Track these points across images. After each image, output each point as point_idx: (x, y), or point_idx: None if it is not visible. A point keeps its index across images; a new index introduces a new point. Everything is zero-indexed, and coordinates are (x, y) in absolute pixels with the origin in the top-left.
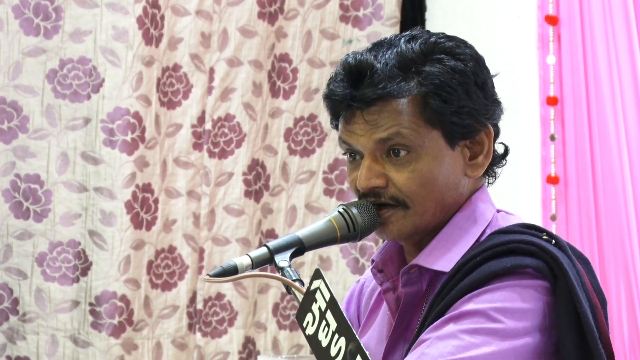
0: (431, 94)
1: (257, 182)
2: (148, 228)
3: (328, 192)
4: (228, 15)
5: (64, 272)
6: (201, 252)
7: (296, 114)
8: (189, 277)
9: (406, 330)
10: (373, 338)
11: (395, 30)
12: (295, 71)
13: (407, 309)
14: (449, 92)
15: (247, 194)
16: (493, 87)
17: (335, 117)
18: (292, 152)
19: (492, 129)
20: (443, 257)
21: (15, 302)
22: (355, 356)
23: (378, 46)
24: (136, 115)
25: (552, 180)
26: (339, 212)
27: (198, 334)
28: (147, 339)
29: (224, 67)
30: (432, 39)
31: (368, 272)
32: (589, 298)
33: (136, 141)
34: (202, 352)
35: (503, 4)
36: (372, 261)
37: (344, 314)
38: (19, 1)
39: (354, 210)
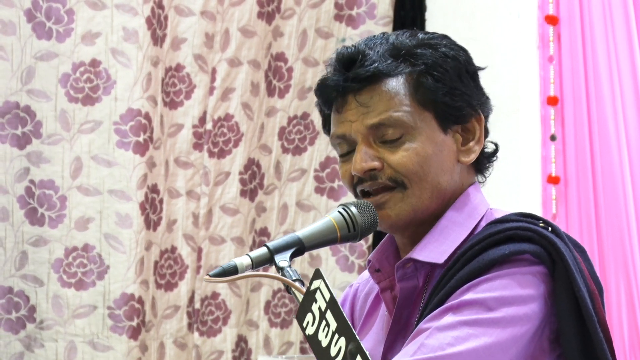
0: (423, 73)
1: (252, 181)
2: (154, 229)
3: (319, 190)
4: (230, 16)
5: (80, 277)
6: (199, 251)
7: (290, 113)
8: (189, 277)
9: (405, 326)
10: (371, 341)
11: (389, 29)
12: (290, 70)
13: (405, 304)
14: (441, 73)
15: (243, 193)
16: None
17: (327, 107)
18: (285, 150)
19: (482, 116)
20: (436, 250)
21: (32, 309)
22: (355, 356)
23: (366, 40)
24: (147, 116)
25: (552, 180)
26: (339, 212)
27: (196, 334)
28: (153, 340)
29: (225, 68)
30: (421, 35)
31: (362, 276)
32: (586, 284)
33: (147, 142)
34: (200, 351)
35: (503, 4)
36: (369, 262)
37: (344, 314)
38: (30, 5)
39: (354, 210)
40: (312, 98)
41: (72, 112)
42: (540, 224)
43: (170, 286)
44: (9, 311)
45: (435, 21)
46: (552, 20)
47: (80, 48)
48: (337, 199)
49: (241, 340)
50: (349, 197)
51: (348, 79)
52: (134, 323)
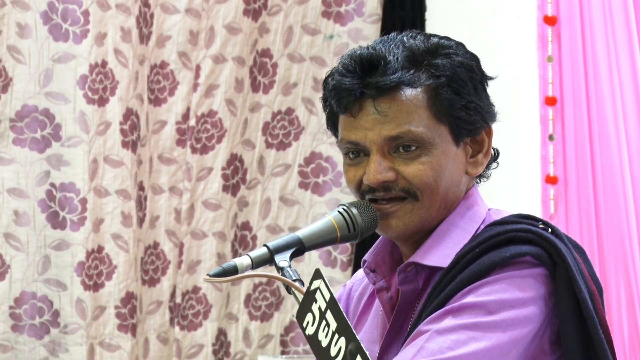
0: (443, 85)
1: (234, 176)
2: (140, 225)
3: (303, 185)
4: (215, 13)
5: (95, 279)
6: (181, 246)
7: (274, 108)
8: (171, 272)
9: (401, 328)
10: (364, 340)
11: (377, 27)
12: (275, 66)
13: (404, 307)
14: (460, 85)
15: (225, 188)
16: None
17: (340, 109)
18: (269, 145)
19: (492, 128)
20: (439, 254)
21: (56, 314)
22: (355, 356)
23: (382, 42)
24: (137, 115)
25: (550, 180)
26: (339, 212)
27: (177, 328)
28: (140, 336)
29: (210, 64)
30: (435, 39)
31: (356, 276)
32: (587, 285)
33: (137, 140)
34: (180, 345)
35: (503, 4)
36: (364, 262)
37: (344, 314)
38: (47, 7)
39: (354, 211)
40: (297, 94)
41: (90, 114)
42: (540, 226)
43: (153, 282)
44: (32, 316)
45: (435, 21)
46: (551, 20)
47: (95, 49)
48: (322, 194)
49: (221, 334)
50: (334, 193)
51: (369, 85)
52: (135, 320)
